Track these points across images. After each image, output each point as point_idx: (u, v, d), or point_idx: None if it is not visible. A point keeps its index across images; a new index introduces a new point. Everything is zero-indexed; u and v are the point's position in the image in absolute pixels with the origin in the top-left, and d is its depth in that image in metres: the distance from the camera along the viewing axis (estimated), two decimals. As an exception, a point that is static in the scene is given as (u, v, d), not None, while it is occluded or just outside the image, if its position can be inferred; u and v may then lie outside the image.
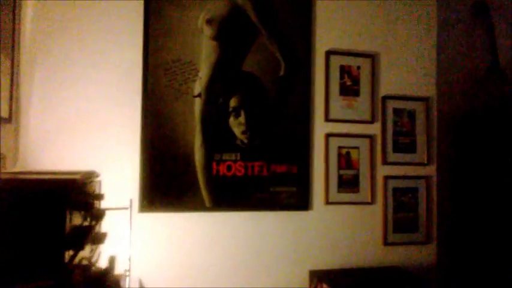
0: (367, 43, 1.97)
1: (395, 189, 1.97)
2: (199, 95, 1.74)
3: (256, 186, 1.79)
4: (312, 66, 1.89)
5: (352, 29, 1.96)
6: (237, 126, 1.78)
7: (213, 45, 1.76)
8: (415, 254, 1.98)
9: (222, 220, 1.76)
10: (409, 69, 2.03)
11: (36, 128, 1.58)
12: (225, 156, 1.76)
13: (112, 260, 1.09)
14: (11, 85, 1.44)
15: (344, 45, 1.94)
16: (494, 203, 2.05)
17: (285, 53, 1.84)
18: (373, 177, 1.94)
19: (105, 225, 1.49)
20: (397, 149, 1.99)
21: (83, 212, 1.02)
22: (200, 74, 1.75)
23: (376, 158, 1.96)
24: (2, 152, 1.36)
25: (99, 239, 1.16)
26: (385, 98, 1.98)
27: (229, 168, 1.76)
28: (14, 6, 1.45)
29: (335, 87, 1.92)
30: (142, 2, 1.70)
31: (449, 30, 2.23)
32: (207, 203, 1.73)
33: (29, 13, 1.58)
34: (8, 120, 1.43)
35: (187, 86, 1.73)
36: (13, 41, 1.45)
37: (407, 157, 2.00)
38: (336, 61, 1.92)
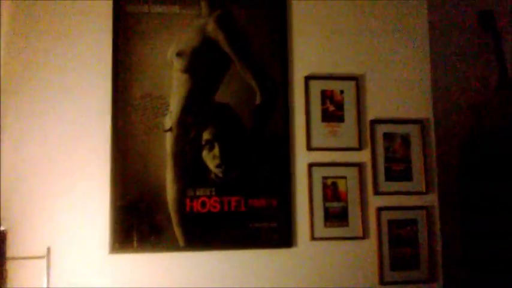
0: (350, 65, 1.86)
1: (390, 222, 1.79)
2: (170, 129, 1.69)
3: (233, 223, 1.69)
4: (290, 93, 1.80)
5: (333, 51, 1.85)
6: (211, 159, 1.70)
7: (184, 78, 1.72)
8: (418, 295, 1.76)
9: (197, 260, 1.66)
10: (399, 90, 1.88)
11: (6, 172, 1.58)
12: (199, 192, 1.68)
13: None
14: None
15: (325, 69, 1.84)
16: (509, 236, 1.81)
17: (260, 81, 1.77)
18: (364, 209, 1.78)
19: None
20: (390, 177, 1.82)
21: None
22: (171, 108, 1.70)
23: (367, 188, 1.80)
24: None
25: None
26: (373, 122, 1.83)
27: (203, 204, 1.68)
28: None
29: (316, 114, 1.81)
30: (110, 38, 1.69)
31: (445, 44, 2.07)
32: (181, 243, 1.65)
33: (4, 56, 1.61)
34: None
35: (158, 120, 1.69)
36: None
37: (403, 185, 1.82)
38: (317, 86, 1.82)
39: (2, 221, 1.45)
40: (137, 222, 1.63)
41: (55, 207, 1.59)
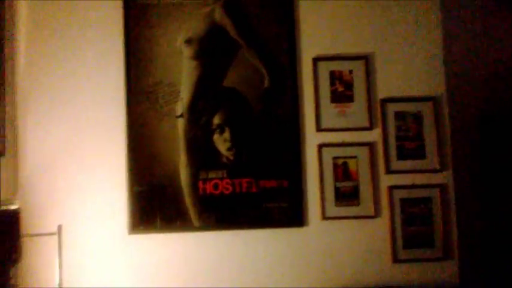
0: (359, 44, 1.84)
1: (403, 200, 1.79)
2: (181, 115, 1.75)
3: (245, 204, 1.74)
4: (298, 76, 1.81)
5: (341, 31, 1.84)
6: (222, 143, 1.76)
7: (193, 65, 1.77)
8: (432, 272, 1.76)
9: (211, 240, 1.73)
10: (410, 67, 1.84)
11: (31, 161, 1.70)
12: (211, 175, 1.74)
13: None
14: (2, 122, 1.58)
15: (333, 50, 1.83)
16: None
17: (268, 64, 1.79)
18: (375, 188, 1.78)
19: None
20: (402, 155, 1.81)
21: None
22: (182, 95, 1.76)
23: (378, 167, 1.80)
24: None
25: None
26: (384, 101, 1.82)
27: (216, 186, 1.74)
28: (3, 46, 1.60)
29: (325, 95, 1.81)
30: (122, 29, 1.76)
31: (458, 17, 1.99)
32: (195, 223, 1.72)
33: (21, 51, 1.72)
34: (1, 154, 1.56)
35: (170, 107, 1.76)
36: (3, 78, 1.59)
37: (416, 164, 1.81)
38: (325, 67, 1.82)
39: (25, 200, 1.57)
40: (153, 205, 1.71)
41: (73, 191, 1.69)
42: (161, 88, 1.76)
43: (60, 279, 1.46)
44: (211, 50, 1.78)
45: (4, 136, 1.58)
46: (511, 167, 1.84)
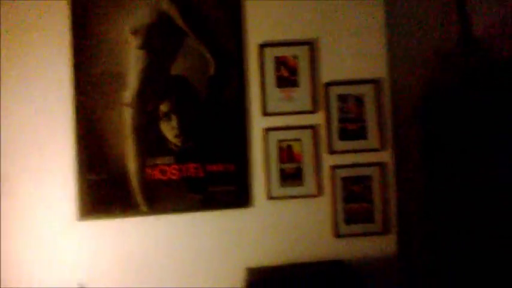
0: (303, 30, 1.89)
1: (344, 179, 1.89)
2: (129, 104, 1.80)
3: (192, 188, 1.83)
4: (245, 62, 1.86)
5: (286, 17, 1.88)
6: (169, 130, 1.82)
7: (140, 54, 1.81)
8: (373, 246, 1.88)
9: (159, 224, 1.81)
10: (354, 52, 1.90)
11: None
12: (159, 161, 1.81)
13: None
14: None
15: (279, 36, 1.88)
16: (462, 186, 1.88)
17: (214, 51, 1.83)
18: (318, 169, 1.88)
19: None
20: (344, 136, 1.90)
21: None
22: (129, 84, 1.81)
23: (321, 148, 1.89)
24: None
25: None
26: (327, 85, 1.89)
27: (163, 172, 1.82)
28: None
29: (271, 80, 1.87)
30: (68, 19, 1.78)
31: (400, 2, 2.04)
32: (143, 208, 1.80)
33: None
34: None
35: (117, 96, 1.81)
36: None
37: (357, 144, 1.90)
38: (271, 53, 1.87)
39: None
40: (102, 192, 1.77)
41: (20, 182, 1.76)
42: (108, 78, 1.80)
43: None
44: (158, 39, 1.82)
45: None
46: (449, 147, 1.94)
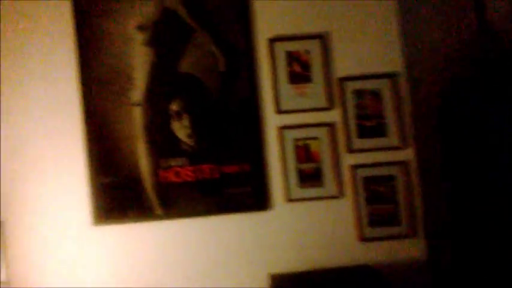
0: (315, 23, 1.82)
1: (366, 179, 1.78)
2: (138, 103, 1.71)
3: (207, 190, 1.71)
4: (255, 57, 1.78)
5: (296, 11, 1.81)
6: (181, 130, 1.72)
7: (147, 51, 1.73)
8: (400, 250, 1.75)
9: (175, 228, 1.70)
10: (368, 44, 1.83)
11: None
12: (172, 162, 1.70)
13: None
14: None
15: (289, 30, 1.81)
16: (490, 185, 1.77)
17: (223, 47, 1.76)
18: (337, 168, 1.76)
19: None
20: (363, 134, 1.80)
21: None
22: (137, 82, 1.72)
23: (340, 146, 1.78)
24: None
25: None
26: (342, 80, 1.81)
27: (177, 174, 1.70)
28: None
29: (283, 76, 1.79)
30: (72, 18, 1.71)
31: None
32: (158, 212, 1.68)
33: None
34: None
35: (126, 95, 1.71)
36: None
37: (377, 142, 1.80)
38: (282, 48, 1.80)
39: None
40: (115, 196, 1.67)
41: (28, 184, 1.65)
42: (115, 76, 1.71)
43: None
44: (164, 36, 1.75)
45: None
46: (474, 142, 1.84)
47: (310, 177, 1.76)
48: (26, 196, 1.66)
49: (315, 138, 1.78)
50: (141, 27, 1.73)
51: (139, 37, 1.73)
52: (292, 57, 1.80)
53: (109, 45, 1.72)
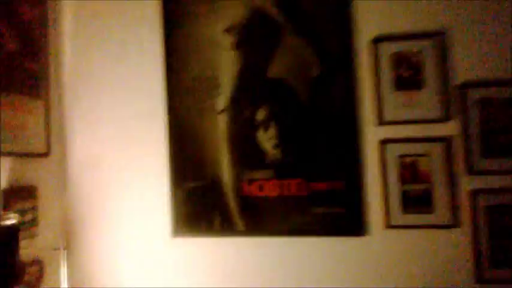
0: (429, 19, 1.52)
1: (490, 208, 1.45)
2: (223, 111, 1.61)
3: (293, 208, 1.55)
4: (354, 60, 1.56)
5: (406, 5, 1.54)
6: (267, 140, 1.58)
7: (234, 56, 1.62)
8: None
9: (256, 245, 1.58)
10: (495, 44, 1.47)
11: (74, 161, 1.69)
12: (256, 175, 1.58)
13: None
14: (47, 122, 1.57)
15: (397, 28, 1.55)
16: None
17: (318, 49, 1.57)
18: (453, 193, 1.47)
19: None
20: (489, 152, 1.47)
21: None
22: (223, 89, 1.62)
23: (457, 166, 1.48)
24: (35, 184, 1.48)
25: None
26: (463, 86, 1.49)
27: (261, 188, 1.57)
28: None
29: (388, 82, 1.54)
30: (159, 23, 1.67)
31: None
32: (240, 227, 1.57)
33: (66, 50, 1.72)
34: (45, 154, 1.55)
35: (211, 102, 1.63)
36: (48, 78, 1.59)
37: (508, 163, 1.45)
38: (387, 49, 1.54)
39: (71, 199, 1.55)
40: (196, 207, 1.62)
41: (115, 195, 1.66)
42: (201, 83, 1.63)
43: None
44: (252, 38, 1.61)
45: (49, 136, 1.58)
46: None
47: (416, 200, 1.49)
48: (105, 208, 1.68)
49: (425, 155, 1.50)
50: (228, 30, 1.62)
51: (226, 41, 1.62)
52: (400, 60, 1.53)
53: (196, 51, 1.65)
